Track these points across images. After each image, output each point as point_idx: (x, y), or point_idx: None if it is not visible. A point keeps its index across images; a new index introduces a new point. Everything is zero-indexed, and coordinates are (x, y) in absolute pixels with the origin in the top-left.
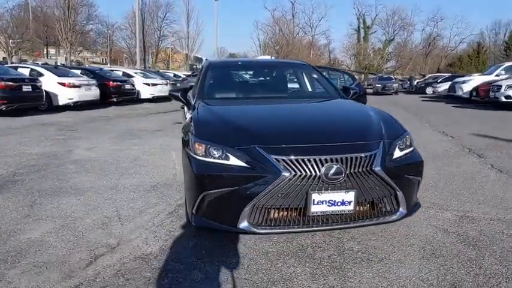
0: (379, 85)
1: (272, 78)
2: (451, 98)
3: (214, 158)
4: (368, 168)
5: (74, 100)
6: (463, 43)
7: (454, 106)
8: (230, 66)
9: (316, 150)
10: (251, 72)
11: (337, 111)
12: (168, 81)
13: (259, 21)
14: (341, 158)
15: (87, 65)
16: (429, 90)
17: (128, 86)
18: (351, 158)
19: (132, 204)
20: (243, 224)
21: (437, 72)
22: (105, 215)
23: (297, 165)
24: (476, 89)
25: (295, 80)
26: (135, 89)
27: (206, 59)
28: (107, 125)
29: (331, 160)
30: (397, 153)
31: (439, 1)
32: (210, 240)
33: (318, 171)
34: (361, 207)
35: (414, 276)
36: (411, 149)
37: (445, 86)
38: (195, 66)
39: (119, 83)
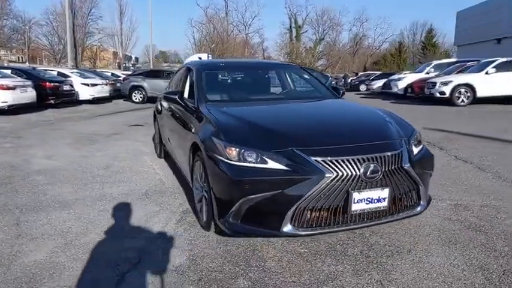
0: None
1: (266, 79)
2: (385, 94)
3: (250, 162)
4: (399, 165)
5: (9, 104)
6: (386, 42)
7: (391, 102)
8: (224, 68)
9: (352, 151)
10: (245, 74)
11: (352, 111)
12: (107, 81)
13: (193, 19)
14: (376, 157)
15: (5, 64)
16: (363, 87)
17: (66, 87)
18: (385, 156)
19: (132, 214)
20: (287, 228)
21: (364, 70)
22: (110, 228)
23: (338, 165)
24: (410, 85)
25: (288, 80)
26: (74, 90)
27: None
28: (53, 130)
29: (368, 159)
30: (415, 150)
31: (364, 2)
32: (236, 246)
33: (358, 171)
34: (393, 203)
35: (445, 263)
36: (422, 145)
37: (379, 83)
38: (133, 65)
39: (56, 83)
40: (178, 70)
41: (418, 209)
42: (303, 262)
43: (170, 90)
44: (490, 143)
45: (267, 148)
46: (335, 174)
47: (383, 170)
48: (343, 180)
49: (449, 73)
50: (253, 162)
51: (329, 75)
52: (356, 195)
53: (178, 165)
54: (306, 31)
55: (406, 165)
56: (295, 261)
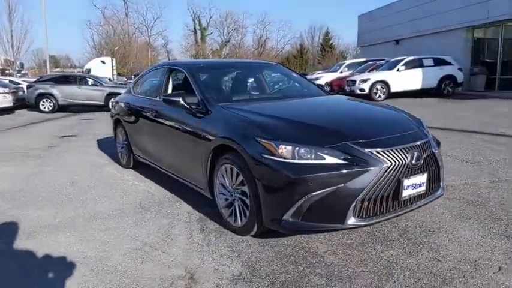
0: None
1: (261, 78)
2: None
3: (307, 159)
4: (431, 151)
5: None
6: (288, 44)
7: None
8: (218, 67)
9: (396, 141)
10: (241, 73)
11: (367, 106)
12: (9, 89)
13: (91, 21)
14: (417, 145)
15: None
16: None
17: None
18: (422, 144)
19: (144, 229)
20: (351, 220)
21: None
22: (133, 247)
23: (390, 155)
24: (330, 84)
25: (273, 79)
26: None
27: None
28: None
29: (412, 148)
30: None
31: (266, 6)
32: (283, 246)
33: (406, 159)
34: (428, 186)
35: (474, 235)
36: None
37: None
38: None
39: None
40: (148, 73)
41: (439, 191)
42: (357, 252)
43: (141, 93)
44: None
45: (320, 144)
46: (390, 163)
47: (423, 156)
48: (396, 168)
49: (362, 71)
50: (311, 159)
51: None
52: (406, 182)
53: (172, 173)
54: (211, 33)
55: (436, 151)
56: (349, 252)
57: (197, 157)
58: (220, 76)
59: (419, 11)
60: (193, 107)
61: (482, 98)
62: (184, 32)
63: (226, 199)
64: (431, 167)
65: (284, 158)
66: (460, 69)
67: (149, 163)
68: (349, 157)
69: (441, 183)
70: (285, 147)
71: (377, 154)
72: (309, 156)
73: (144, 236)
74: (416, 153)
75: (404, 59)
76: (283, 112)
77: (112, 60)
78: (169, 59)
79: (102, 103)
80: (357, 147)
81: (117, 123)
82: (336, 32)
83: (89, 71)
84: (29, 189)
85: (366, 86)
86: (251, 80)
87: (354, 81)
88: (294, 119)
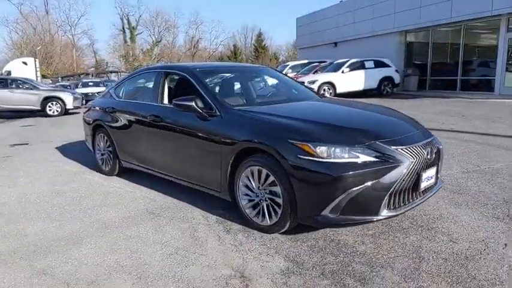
0: None
1: (260, 82)
2: None
3: (344, 158)
4: (437, 147)
5: None
6: (221, 45)
7: None
8: (221, 71)
9: (414, 139)
10: (241, 77)
11: (371, 107)
12: None
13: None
14: (429, 142)
15: None
16: None
17: None
18: (432, 140)
19: (169, 235)
20: (384, 212)
21: None
22: (167, 252)
23: (413, 151)
24: None
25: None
26: None
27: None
28: None
29: (427, 144)
30: None
31: (197, 6)
32: (314, 240)
33: (424, 154)
34: (435, 179)
35: (472, 218)
36: None
37: None
38: None
39: None
40: (133, 76)
41: (439, 183)
42: (383, 241)
43: (128, 97)
44: None
45: (352, 143)
46: (414, 159)
47: (434, 151)
48: (417, 163)
49: (307, 73)
50: (347, 158)
51: None
52: (423, 175)
53: (177, 178)
54: (141, 32)
55: (440, 147)
56: (376, 241)
57: (214, 161)
58: (224, 80)
59: (356, 15)
60: (204, 111)
61: (417, 97)
62: (112, 31)
63: (250, 200)
64: (438, 161)
65: (322, 158)
66: (397, 70)
67: (142, 169)
68: (379, 155)
69: (439, 175)
70: (321, 148)
71: (402, 151)
72: (343, 155)
73: (171, 241)
74: (430, 149)
75: (348, 61)
76: (305, 115)
77: (35, 61)
78: (96, 60)
79: (38, 108)
80: (384, 146)
81: (96, 129)
82: (268, 33)
83: (8, 73)
84: (12, 202)
85: (315, 87)
86: (253, 83)
87: (302, 83)
88: (321, 121)
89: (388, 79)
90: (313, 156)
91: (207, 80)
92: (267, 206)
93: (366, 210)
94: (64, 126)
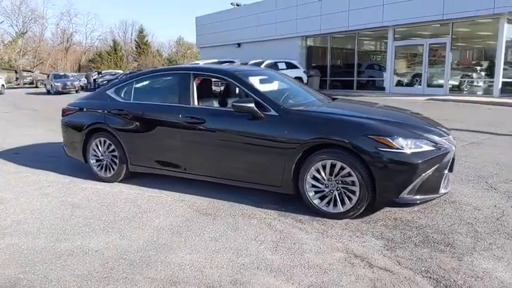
0: (59, 84)
1: (286, 81)
2: None
3: (416, 148)
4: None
5: None
6: (98, 40)
7: None
8: (253, 74)
9: (444, 132)
10: (270, 79)
11: (397, 108)
12: None
13: None
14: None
15: None
16: None
17: None
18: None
19: (251, 234)
20: (441, 189)
21: (79, 68)
22: (267, 247)
23: (449, 142)
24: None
25: None
26: None
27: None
28: None
29: (447, 135)
30: None
31: None
32: (375, 221)
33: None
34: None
35: (470, 191)
36: None
37: None
38: None
39: None
40: (142, 77)
41: None
42: (430, 214)
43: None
44: None
45: (416, 137)
46: (453, 147)
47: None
48: (454, 151)
49: None
50: (416, 148)
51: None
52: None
53: (222, 178)
54: (1, 22)
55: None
56: (427, 216)
57: (275, 158)
58: (263, 81)
59: (259, 19)
60: (260, 113)
61: None
62: None
63: (318, 191)
64: None
65: (400, 149)
66: (304, 72)
67: (165, 172)
68: (434, 144)
69: None
70: (397, 141)
71: (445, 141)
72: (413, 146)
73: (260, 236)
74: (453, 140)
75: (264, 61)
76: (361, 113)
77: None
78: None
79: None
80: (434, 137)
81: (92, 133)
82: (149, 30)
83: None
84: (30, 219)
85: None
86: (285, 85)
87: None
88: (381, 118)
89: (298, 80)
90: (392, 148)
91: (250, 81)
92: (339, 194)
93: (430, 190)
94: None
